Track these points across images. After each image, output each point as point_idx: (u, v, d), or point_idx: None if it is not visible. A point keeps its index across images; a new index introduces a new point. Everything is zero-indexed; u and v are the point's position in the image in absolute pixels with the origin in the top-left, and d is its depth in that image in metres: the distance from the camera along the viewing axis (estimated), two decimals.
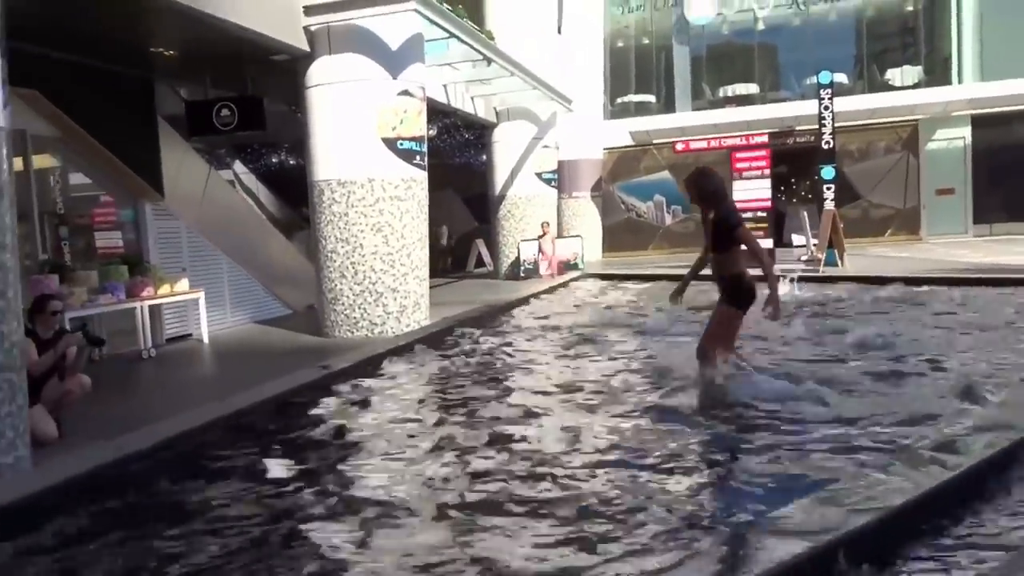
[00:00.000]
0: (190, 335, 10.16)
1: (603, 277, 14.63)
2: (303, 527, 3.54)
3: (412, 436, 4.92)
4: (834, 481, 3.52)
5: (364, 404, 5.85)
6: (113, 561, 3.32)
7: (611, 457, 4.28)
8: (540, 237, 15.72)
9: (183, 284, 9.65)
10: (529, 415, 5.23)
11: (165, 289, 9.30)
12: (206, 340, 9.75)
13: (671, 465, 4.08)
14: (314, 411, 5.56)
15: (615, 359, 7.04)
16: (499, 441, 4.65)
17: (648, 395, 5.63)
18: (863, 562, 2.72)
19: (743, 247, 5.34)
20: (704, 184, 5.50)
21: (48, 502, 3.75)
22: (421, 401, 5.98)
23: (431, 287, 10.27)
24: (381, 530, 3.43)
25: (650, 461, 4.15)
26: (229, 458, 4.60)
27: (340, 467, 4.36)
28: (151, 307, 9.14)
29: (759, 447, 4.25)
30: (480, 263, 20.53)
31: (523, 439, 4.67)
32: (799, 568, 2.59)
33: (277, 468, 4.34)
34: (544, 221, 16.13)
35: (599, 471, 4.03)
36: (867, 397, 5.14)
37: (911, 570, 2.81)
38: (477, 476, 4.04)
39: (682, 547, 3.04)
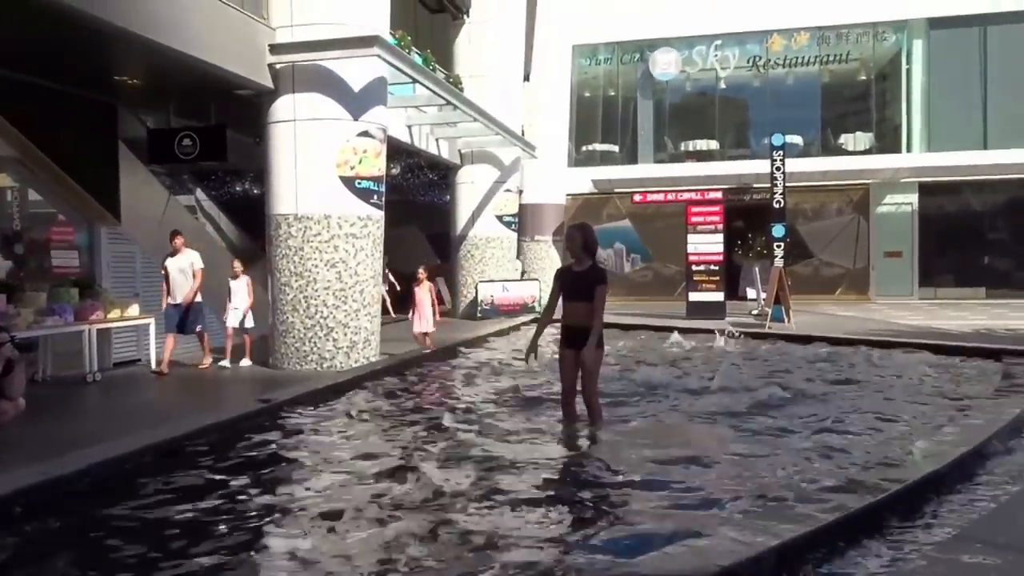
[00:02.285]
0: (139, 360, 10.13)
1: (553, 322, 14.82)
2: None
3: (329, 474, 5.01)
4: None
5: (295, 436, 5.97)
6: None
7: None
8: (416, 284, 11.32)
9: (134, 309, 9.64)
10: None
11: (115, 313, 9.29)
12: (154, 366, 9.73)
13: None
14: (242, 444, 5.64)
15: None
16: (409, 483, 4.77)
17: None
18: None
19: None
20: (593, 237, 6.11)
21: None
22: (347, 437, 6.07)
23: (386, 323, 10.40)
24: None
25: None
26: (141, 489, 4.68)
27: (252, 500, 4.44)
28: (99, 331, 9.11)
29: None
30: (440, 300, 20.67)
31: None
32: None
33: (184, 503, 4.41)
34: (422, 267, 11.76)
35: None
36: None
37: None
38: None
39: None
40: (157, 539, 3.87)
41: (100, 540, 3.90)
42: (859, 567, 3.38)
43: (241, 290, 10.00)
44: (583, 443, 5.87)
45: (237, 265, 10.30)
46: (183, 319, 9.51)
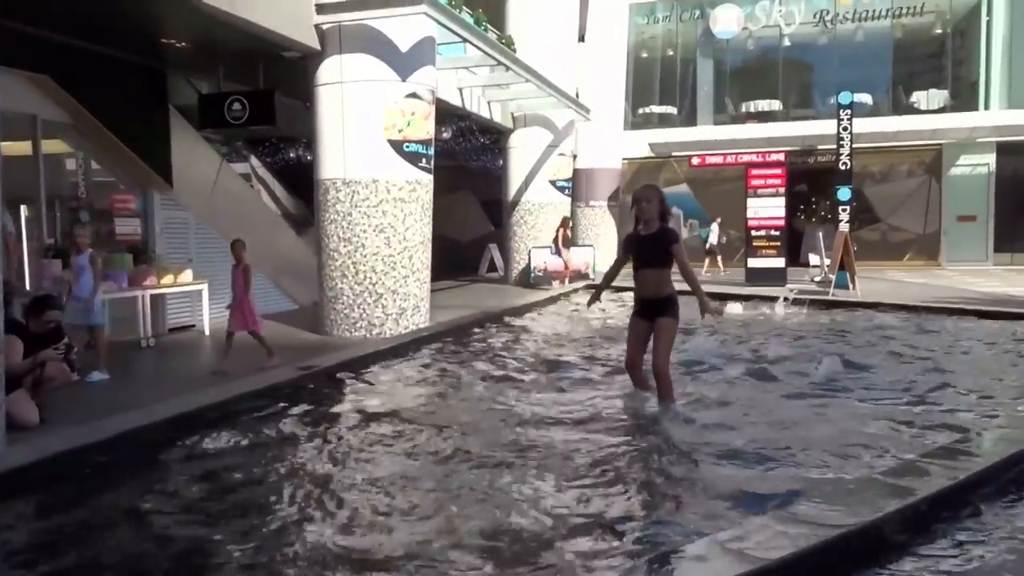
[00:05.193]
0: (192, 326, 10.21)
1: (616, 289, 14.46)
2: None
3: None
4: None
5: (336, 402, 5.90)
6: None
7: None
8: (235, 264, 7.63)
9: (187, 275, 9.73)
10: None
11: (169, 279, 9.38)
12: (207, 331, 9.80)
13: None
14: (279, 410, 5.59)
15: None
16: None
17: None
18: None
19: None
20: (664, 199, 5.63)
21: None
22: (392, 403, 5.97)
23: (438, 290, 10.25)
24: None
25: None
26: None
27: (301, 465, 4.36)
28: (153, 297, 9.21)
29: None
30: (492, 268, 20.52)
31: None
32: None
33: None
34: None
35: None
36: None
37: None
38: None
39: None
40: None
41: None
42: None
43: (86, 271, 6.97)
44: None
45: (80, 233, 7.18)
46: None
